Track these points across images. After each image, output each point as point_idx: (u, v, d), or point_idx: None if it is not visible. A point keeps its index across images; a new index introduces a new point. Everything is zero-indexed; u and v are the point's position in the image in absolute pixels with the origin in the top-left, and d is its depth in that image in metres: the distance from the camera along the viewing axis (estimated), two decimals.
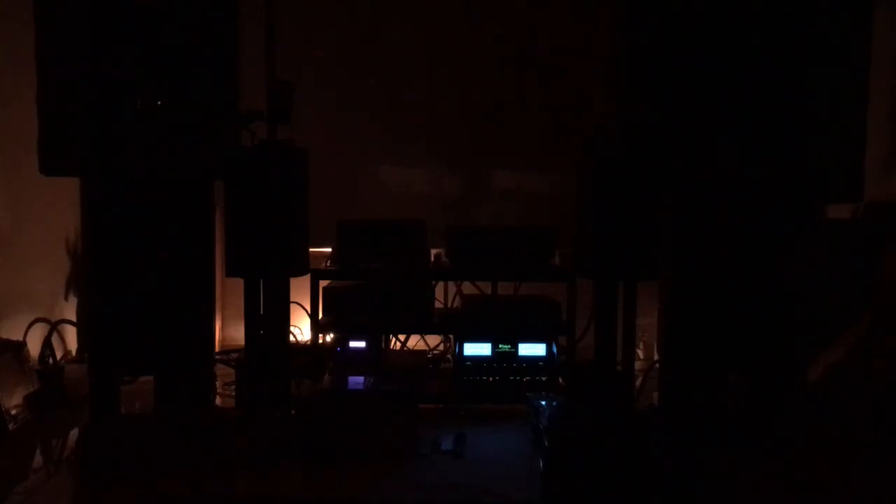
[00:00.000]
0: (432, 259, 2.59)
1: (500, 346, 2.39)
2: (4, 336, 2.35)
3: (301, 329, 3.10)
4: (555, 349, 2.39)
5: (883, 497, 1.77)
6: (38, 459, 2.02)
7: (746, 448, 1.98)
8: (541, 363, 2.38)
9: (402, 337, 2.85)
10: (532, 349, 2.38)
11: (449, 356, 2.74)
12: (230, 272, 2.11)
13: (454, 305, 2.90)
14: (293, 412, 2.05)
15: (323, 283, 2.46)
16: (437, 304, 2.72)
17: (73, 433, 2.15)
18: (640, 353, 2.86)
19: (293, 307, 2.49)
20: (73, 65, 1.89)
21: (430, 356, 2.81)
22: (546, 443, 1.80)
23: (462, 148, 3.14)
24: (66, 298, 2.78)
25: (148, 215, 1.99)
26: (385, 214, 3.00)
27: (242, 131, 2.07)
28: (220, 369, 2.54)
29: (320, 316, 2.46)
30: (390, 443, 1.96)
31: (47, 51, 1.89)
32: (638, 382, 2.48)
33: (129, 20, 1.90)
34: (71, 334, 2.76)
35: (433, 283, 2.64)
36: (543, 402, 2.02)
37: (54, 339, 2.59)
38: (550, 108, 3.07)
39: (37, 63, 1.90)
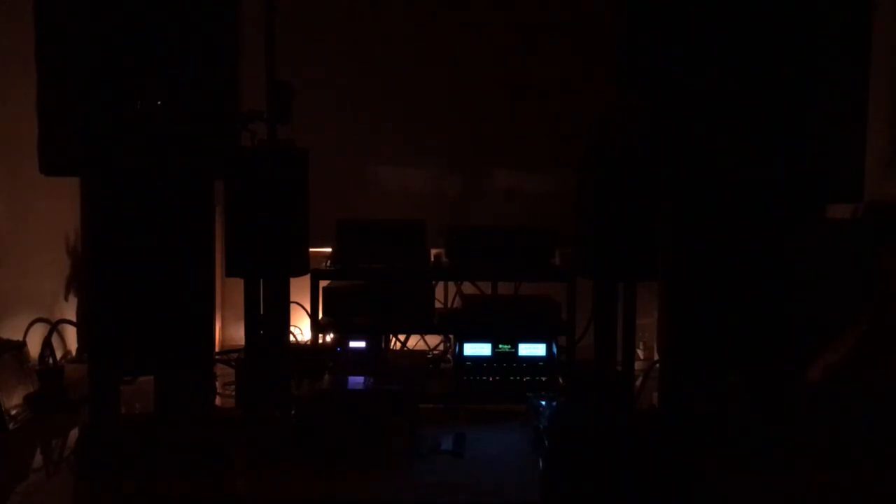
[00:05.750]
0: (432, 259, 2.59)
1: (500, 346, 2.39)
2: (4, 336, 2.35)
3: (301, 329, 3.10)
4: (555, 349, 2.39)
5: (882, 497, 1.77)
6: (38, 459, 2.02)
7: (746, 448, 1.98)
8: (541, 363, 2.38)
9: (402, 337, 2.85)
10: (532, 349, 2.38)
11: (449, 356, 2.74)
12: (230, 272, 2.11)
13: (454, 305, 2.90)
14: (293, 412, 2.05)
15: (323, 283, 2.45)
16: (437, 304, 2.71)
17: (73, 433, 2.15)
18: (640, 353, 2.86)
19: (293, 307, 2.49)
20: (73, 64, 1.89)
21: (430, 356, 2.81)
22: (546, 443, 1.80)
23: (462, 148, 3.14)
24: (66, 298, 2.78)
25: (148, 215, 1.98)
26: (385, 214, 3.00)
27: (242, 131, 2.07)
28: (220, 369, 2.54)
29: (320, 316, 2.46)
30: (390, 443, 1.96)
31: (47, 51, 1.89)
32: (638, 382, 2.48)
33: (130, 20, 1.90)
34: (71, 334, 2.76)
35: (433, 283, 2.64)
36: (543, 402, 2.02)
37: (54, 339, 2.59)
38: (550, 108, 3.07)
39: (37, 63, 1.90)
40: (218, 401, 2.35)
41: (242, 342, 2.20)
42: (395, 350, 2.82)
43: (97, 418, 2.00)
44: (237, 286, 2.18)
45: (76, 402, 2.32)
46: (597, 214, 2.10)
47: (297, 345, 2.92)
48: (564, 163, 2.62)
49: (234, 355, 2.75)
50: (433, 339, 2.93)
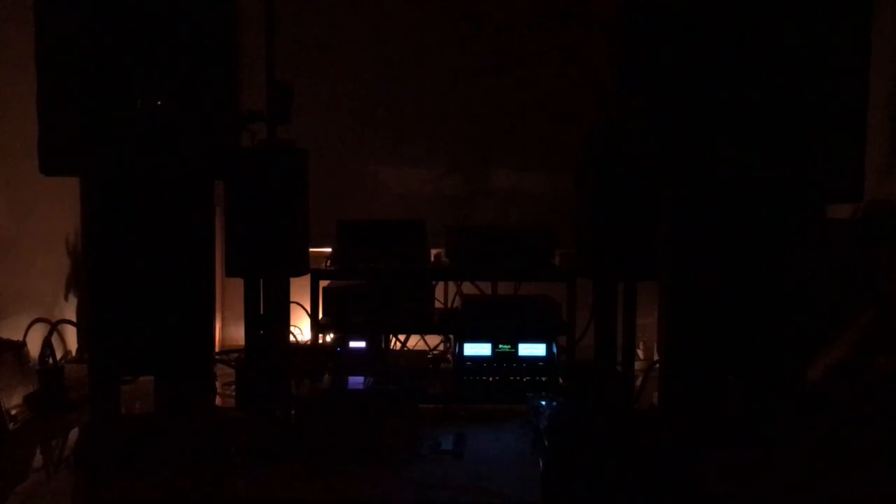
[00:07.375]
0: (432, 259, 2.59)
1: (500, 346, 2.39)
2: (4, 336, 2.35)
3: (301, 329, 3.10)
4: (555, 349, 2.39)
5: (881, 496, 1.77)
6: (38, 459, 2.02)
7: (746, 448, 1.98)
8: (541, 363, 2.38)
9: (402, 337, 2.85)
10: (532, 349, 2.38)
11: (449, 356, 2.74)
12: (230, 272, 2.11)
13: (454, 305, 2.90)
14: (293, 412, 2.05)
15: (323, 283, 2.46)
16: (437, 304, 2.71)
17: (73, 433, 2.15)
18: (640, 353, 2.86)
19: (293, 307, 2.49)
20: (73, 65, 1.89)
21: (430, 356, 2.81)
22: (546, 443, 1.80)
23: (462, 148, 3.14)
24: (66, 298, 2.78)
25: (148, 215, 1.98)
26: (385, 214, 3.00)
27: (242, 131, 2.07)
28: (220, 369, 2.54)
29: (320, 316, 2.46)
30: (390, 443, 1.96)
31: (47, 51, 1.89)
32: (638, 382, 2.48)
33: (129, 20, 1.90)
34: (71, 334, 2.76)
35: (433, 283, 2.64)
36: (543, 402, 2.02)
37: (54, 339, 2.59)
38: (550, 107, 3.07)
39: (37, 63, 1.90)
40: (218, 401, 2.35)
41: (242, 342, 2.20)
42: (395, 350, 2.82)
43: (97, 418, 2.00)
44: (237, 286, 2.18)
45: (76, 402, 2.32)
46: (596, 214, 2.10)
47: (297, 345, 2.92)
48: (564, 163, 2.63)
49: (234, 355, 2.76)
50: (433, 339, 2.94)
